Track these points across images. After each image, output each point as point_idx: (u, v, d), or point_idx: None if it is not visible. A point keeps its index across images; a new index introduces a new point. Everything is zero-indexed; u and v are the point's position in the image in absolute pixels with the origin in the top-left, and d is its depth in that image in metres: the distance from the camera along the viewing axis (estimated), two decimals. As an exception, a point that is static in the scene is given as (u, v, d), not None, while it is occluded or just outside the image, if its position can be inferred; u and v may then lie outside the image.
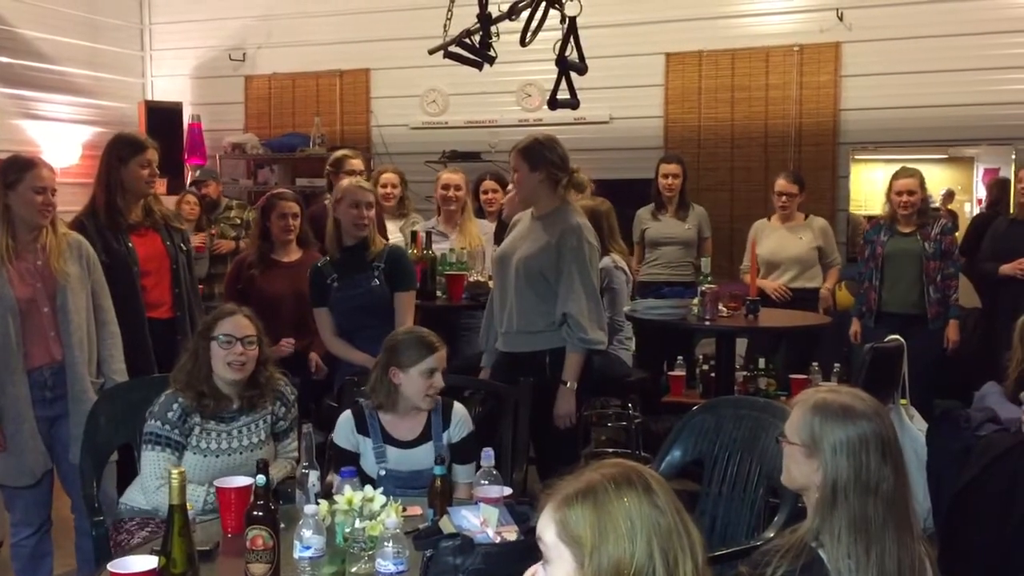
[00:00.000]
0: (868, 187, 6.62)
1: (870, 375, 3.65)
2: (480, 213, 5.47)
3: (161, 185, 4.08)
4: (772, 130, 6.66)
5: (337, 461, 2.84)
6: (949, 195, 6.93)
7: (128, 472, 3.14)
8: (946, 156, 6.81)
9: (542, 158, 3.64)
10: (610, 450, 5.26)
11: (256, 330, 2.93)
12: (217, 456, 2.84)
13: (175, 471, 1.98)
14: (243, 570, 2.10)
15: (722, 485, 2.89)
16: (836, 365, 5.02)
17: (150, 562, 1.95)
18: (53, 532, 3.50)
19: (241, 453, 2.87)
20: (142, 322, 3.76)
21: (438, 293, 4.81)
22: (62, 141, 7.08)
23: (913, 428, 3.64)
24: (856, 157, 6.57)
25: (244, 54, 7.89)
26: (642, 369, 5.11)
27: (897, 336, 3.94)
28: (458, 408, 3.00)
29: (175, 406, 2.83)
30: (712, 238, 6.04)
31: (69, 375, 3.33)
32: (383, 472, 2.84)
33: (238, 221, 6.48)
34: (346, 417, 2.94)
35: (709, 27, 6.75)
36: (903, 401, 3.77)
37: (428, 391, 2.87)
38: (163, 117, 7.47)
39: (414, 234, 4.99)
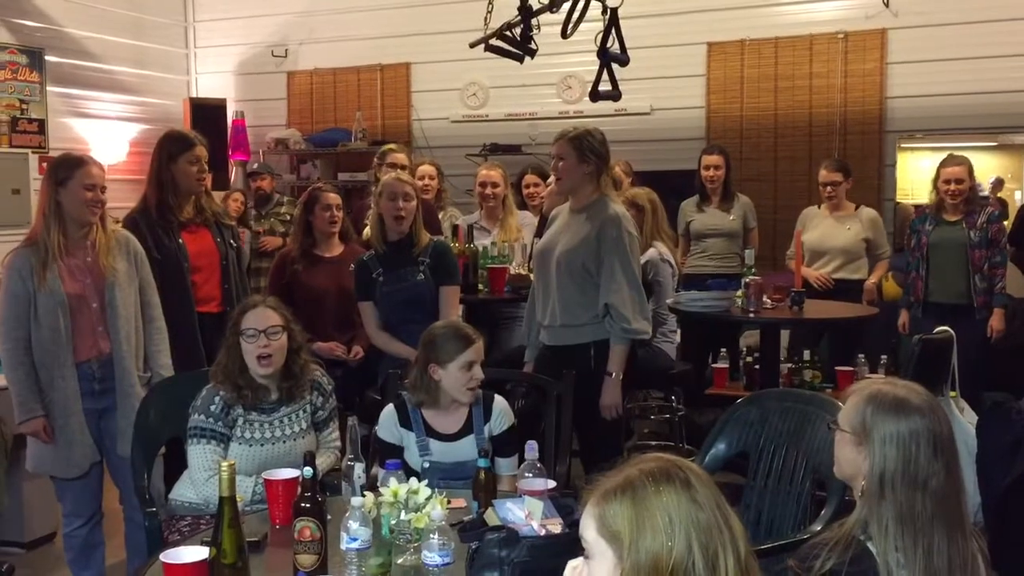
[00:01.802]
0: (915, 176, 6.52)
1: (919, 367, 3.60)
2: (523, 206, 5.48)
3: (207, 181, 4.13)
4: (816, 119, 6.57)
5: (381, 454, 2.86)
6: (998, 183, 6.81)
7: (175, 465, 3.19)
8: (995, 144, 6.69)
9: (592, 150, 3.63)
10: (653, 443, 5.24)
11: (282, 319, 2.93)
12: (262, 445, 2.87)
13: (225, 464, 2.01)
14: (291, 561, 2.13)
15: (768, 478, 2.86)
16: (883, 357, 4.96)
17: (201, 553, 1.98)
18: (103, 523, 3.56)
19: (284, 442, 2.90)
20: (192, 317, 3.82)
21: (480, 287, 4.83)
22: (110, 138, 7.20)
23: (963, 420, 3.59)
24: (903, 145, 6.47)
25: (286, 50, 7.96)
26: (685, 361, 5.09)
27: (947, 328, 3.88)
28: (499, 401, 3.01)
29: (217, 399, 2.87)
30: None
31: (117, 370, 3.39)
32: (427, 464, 2.85)
33: (287, 217, 6.47)
34: (389, 411, 2.96)
35: (751, 15, 6.68)
36: (952, 393, 3.72)
37: (468, 384, 2.87)
38: (207, 114, 7.56)
39: (455, 228, 5.00)
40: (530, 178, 5.56)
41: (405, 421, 2.92)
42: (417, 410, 2.92)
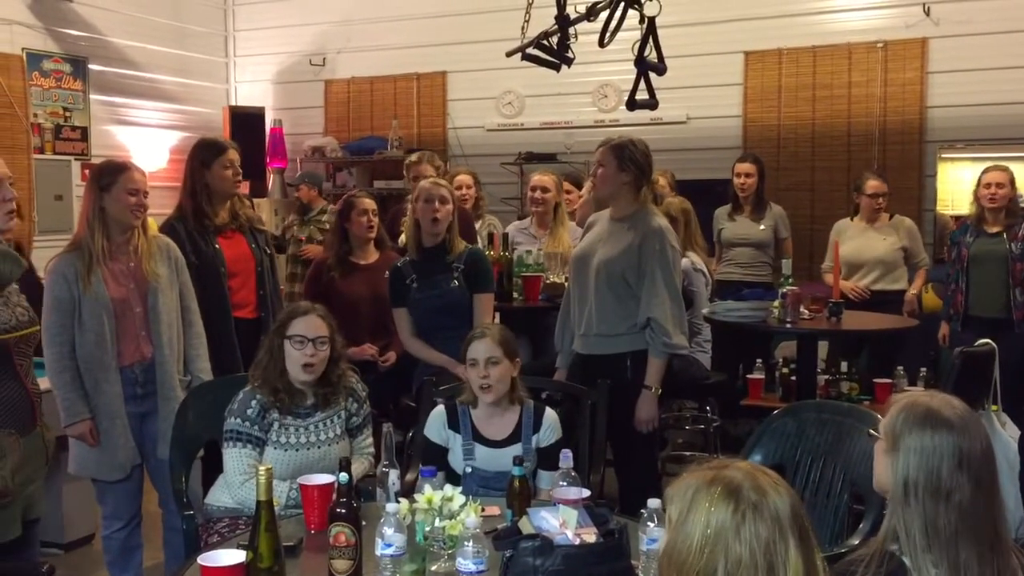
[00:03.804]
0: (955, 186, 6.43)
1: (960, 380, 3.55)
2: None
3: (244, 187, 4.18)
4: (855, 129, 6.51)
5: (425, 454, 2.88)
6: (1041, 194, 6.69)
7: (214, 466, 3.22)
8: (1038, 154, 6.58)
9: (632, 160, 3.62)
10: (687, 453, 5.21)
11: (329, 329, 2.95)
12: (297, 450, 2.89)
13: (263, 468, 2.02)
14: (326, 566, 2.14)
15: (804, 491, 2.83)
16: (922, 369, 4.89)
17: (238, 556, 2.00)
18: (142, 526, 3.60)
19: (319, 448, 2.91)
20: (229, 322, 3.87)
21: (514, 295, 4.83)
22: (151, 146, 7.31)
23: (1004, 435, 3.53)
24: (943, 155, 6.39)
25: (324, 59, 8.04)
26: (720, 372, 5.05)
27: (988, 340, 3.82)
28: (550, 414, 3.01)
29: (253, 403, 2.89)
30: (792, 239, 5.94)
31: (158, 373, 3.43)
32: (469, 469, 2.87)
33: (328, 226, 6.48)
34: (439, 412, 2.99)
35: (789, 24, 6.64)
36: (994, 407, 3.66)
37: (475, 382, 2.91)
38: (246, 122, 7.66)
39: (491, 235, 5.01)
40: (564, 186, 5.56)
41: (454, 423, 2.95)
42: (467, 412, 2.96)
